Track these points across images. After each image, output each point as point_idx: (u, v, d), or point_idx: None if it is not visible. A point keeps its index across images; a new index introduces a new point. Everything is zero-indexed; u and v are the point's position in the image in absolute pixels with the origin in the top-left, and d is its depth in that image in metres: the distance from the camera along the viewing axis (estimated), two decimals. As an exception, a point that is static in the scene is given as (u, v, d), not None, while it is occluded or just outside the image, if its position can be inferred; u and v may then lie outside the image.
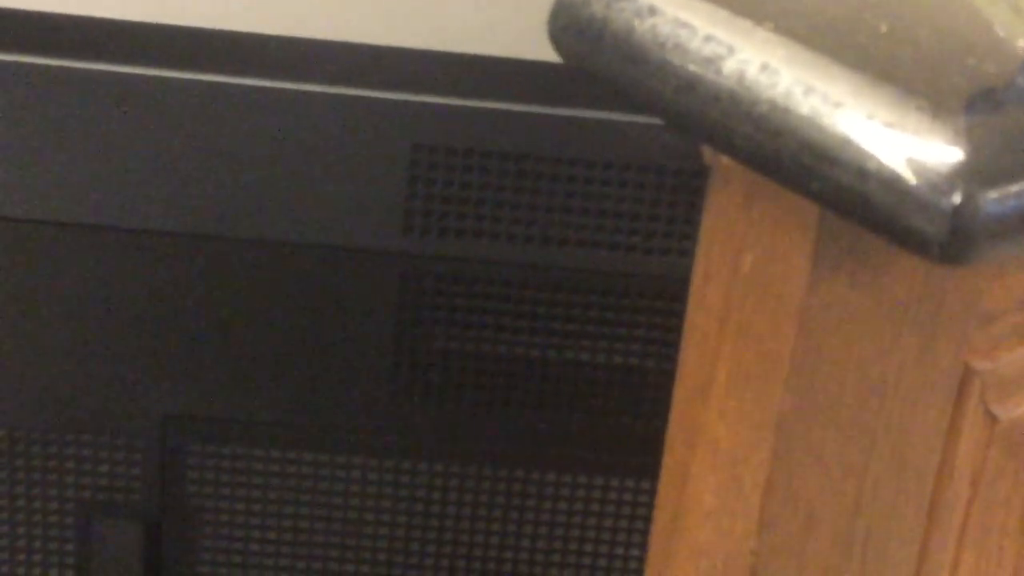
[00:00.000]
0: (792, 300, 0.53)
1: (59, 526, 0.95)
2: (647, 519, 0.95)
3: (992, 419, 0.62)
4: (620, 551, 0.97)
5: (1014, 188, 0.40)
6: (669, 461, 0.61)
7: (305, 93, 0.82)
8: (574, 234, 0.86)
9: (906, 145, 0.41)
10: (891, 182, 0.40)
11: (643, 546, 0.95)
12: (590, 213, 0.85)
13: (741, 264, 0.55)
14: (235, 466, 0.94)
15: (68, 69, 0.83)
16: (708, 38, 0.46)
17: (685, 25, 0.47)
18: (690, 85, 0.46)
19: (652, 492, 0.92)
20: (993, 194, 0.40)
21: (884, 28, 0.46)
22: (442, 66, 0.81)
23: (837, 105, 0.42)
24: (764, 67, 0.44)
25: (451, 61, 0.82)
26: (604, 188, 0.85)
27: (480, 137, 0.83)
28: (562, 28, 0.50)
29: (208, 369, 0.91)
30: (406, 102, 0.82)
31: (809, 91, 0.43)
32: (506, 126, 0.83)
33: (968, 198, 0.39)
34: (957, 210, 0.39)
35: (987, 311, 0.59)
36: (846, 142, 0.42)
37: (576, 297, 0.89)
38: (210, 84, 0.82)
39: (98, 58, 0.83)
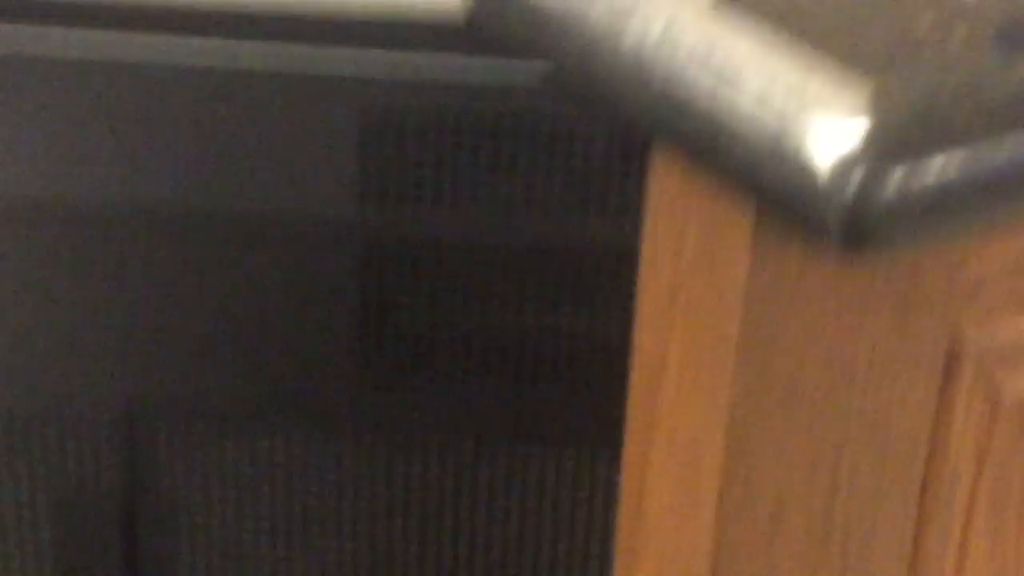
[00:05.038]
0: (737, 281, 0.49)
1: (32, 516, 0.94)
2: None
3: (996, 392, 0.58)
4: (599, 522, 0.94)
5: (929, 162, 0.35)
6: (630, 446, 0.57)
7: (248, 67, 0.79)
8: (537, 194, 0.82)
9: (806, 120, 0.36)
10: (788, 165, 0.36)
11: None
12: (547, 174, 0.81)
13: (685, 244, 0.51)
14: (205, 449, 0.92)
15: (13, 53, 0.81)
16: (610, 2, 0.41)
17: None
18: (592, 52, 0.42)
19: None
20: (899, 172, 0.35)
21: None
22: (385, 30, 0.78)
23: (732, 82, 0.38)
24: (664, 36, 0.40)
25: (394, 23, 0.78)
26: (566, 143, 0.81)
27: (429, 99, 0.80)
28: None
29: (170, 352, 0.89)
30: (351, 68, 0.79)
31: (705, 62, 0.38)
32: (455, 87, 0.79)
33: (868, 181, 0.35)
34: (856, 196, 0.35)
35: (974, 278, 0.54)
36: (739, 121, 0.37)
37: (536, 263, 0.85)
38: (153, 63, 0.80)
39: (44, 38, 0.81)
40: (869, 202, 0.35)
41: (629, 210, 0.83)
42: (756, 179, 0.37)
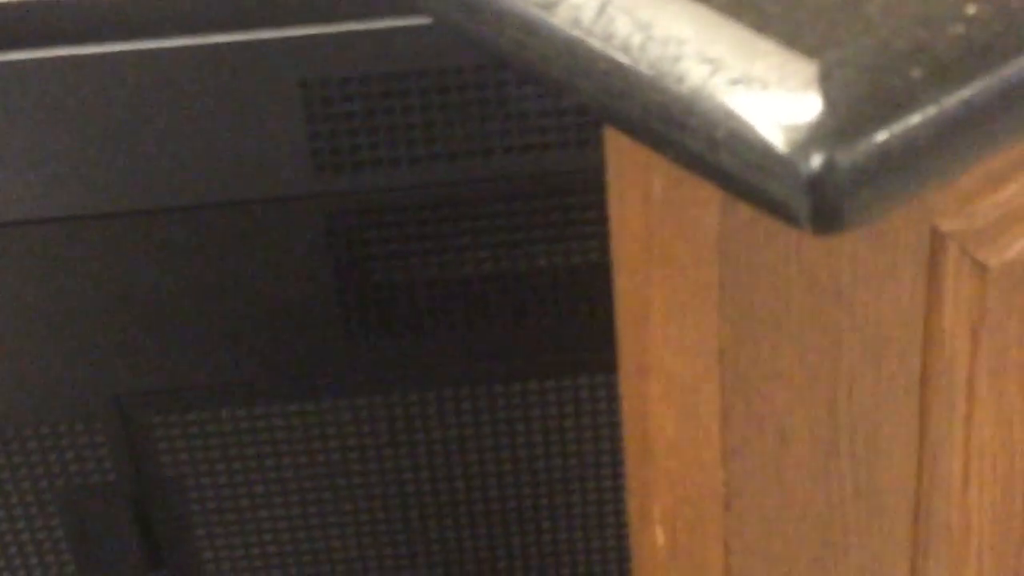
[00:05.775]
0: (709, 225, 0.48)
1: (44, 518, 0.94)
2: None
3: (982, 269, 0.57)
4: (606, 445, 0.94)
5: (882, 136, 0.34)
6: (626, 390, 0.56)
7: (177, 50, 0.76)
8: (490, 142, 0.80)
9: (754, 103, 0.35)
10: (741, 151, 0.35)
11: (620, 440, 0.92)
12: (501, 117, 0.79)
13: (652, 189, 0.49)
14: (205, 431, 0.91)
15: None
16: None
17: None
18: (528, 34, 0.40)
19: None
20: (859, 149, 0.34)
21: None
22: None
23: (676, 60, 0.36)
24: (600, 18, 0.38)
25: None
26: (511, 89, 0.78)
27: (368, 60, 0.77)
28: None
29: (154, 342, 0.88)
30: (284, 39, 0.76)
31: (646, 43, 0.37)
32: (392, 45, 0.77)
33: (827, 162, 0.34)
34: (816, 178, 0.34)
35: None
36: (691, 104, 0.36)
37: (504, 205, 0.83)
38: (85, 57, 0.77)
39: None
40: (831, 182, 0.34)
41: (589, 144, 0.81)
42: (711, 167, 0.36)
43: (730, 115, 0.35)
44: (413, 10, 0.42)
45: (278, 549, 0.97)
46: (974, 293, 0.58)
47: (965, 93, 0.34)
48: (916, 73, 0.34)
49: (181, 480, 0.94)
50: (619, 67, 0.38)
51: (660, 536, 0.59)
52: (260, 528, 0.95)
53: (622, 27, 0.38)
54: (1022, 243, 0.58)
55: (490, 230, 0.84)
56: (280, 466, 0.93)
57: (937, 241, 0.55)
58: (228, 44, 0.76)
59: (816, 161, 0.34)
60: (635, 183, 0.50)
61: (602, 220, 0.86)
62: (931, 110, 0.34)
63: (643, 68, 0.37)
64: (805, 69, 0.35)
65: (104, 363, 0.89)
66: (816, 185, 0.34)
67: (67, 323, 0.88)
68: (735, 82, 0.35)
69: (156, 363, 0.89)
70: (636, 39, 0.37)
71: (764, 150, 0.34)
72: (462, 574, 0.99)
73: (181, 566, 0.97)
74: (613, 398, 0.91)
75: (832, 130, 0.34)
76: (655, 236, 0.50)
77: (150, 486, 0.94)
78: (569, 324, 0.88)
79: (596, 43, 0.39)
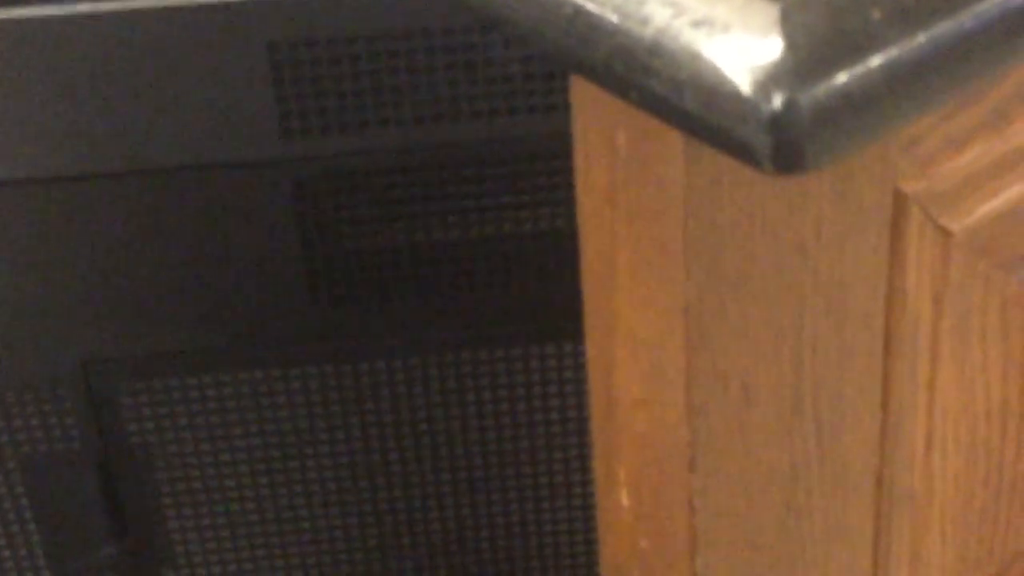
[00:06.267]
0: (674, 181, 0.48)
1: (7, 485, 0.93)
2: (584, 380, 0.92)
3: (945, 234, 0.58)
4: (572, 414, 0.94)
5: (842, 76, 0.34)
6: (591, 349, 0.56)
7: (143, 11, 0.76)
8: (458, 106, 0.80)
9: (717, 45, 0.35)
10: (704, 93, 0.35)
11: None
12: (470, 81, 0.79)
13: (616, 144, 0.50)
14: (171, 398, 0.91)
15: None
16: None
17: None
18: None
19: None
20: (820, 89, 0.34)
21: None
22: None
23: (640, 3, 0.37)
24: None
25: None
26: (479, 53, 0.78)
27: (336, 22, 0.77)
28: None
29: (120, 307, 0.87)
30: (251, 0, 0.76)
31: (609, -12, 0.37)
32: (360, 7, 0.76)
33: (788, 101, 0.34)
34: (778, 118, 0.34)
35: (911, 134, 0.54)
36: (655, 47, 0.36)
37: (472, 170, 0.83)
38: (50, 18, 0.76)
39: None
40: (792, 121, 0.34)
41: (557, 109, 0.81)
42: (676, 110, 0.36)
43: (694, 56, 0.35)
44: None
45: (244, 518, 0.97)
46: (936, 258, 0.58)
47: (924, 35, 0.35)
48: (876, 14, 0.34)
49: (147, 448, 0.93)
50: (584, 11, 0.38)
51: (625, 498, 0.60)
52: (227, 497, 0.95)
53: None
54: (984, 209, 0.58)
55: (458, 195, 0.84)
56: (248, 434, 0.93)
57: (900, 203, 0.56)
58: (195, 6, 0.75)
59: (777, 100, 0.34)
60: (600, 138, 0.50)
61: (571, 186, 0.86)
62: (891, 51, 0.34)
63: (607, 12, 0.37)
64: (766, 10, 0.35)
65: (70, 329, 0.89)
66: (777, 124, 0.34)
67: (32, 288, 0.87)
68: (698, 24, 0.35)
69: (122, 329, 0.89)
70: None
71: (727, 91, 0.35)
72: (429, 542, 0.99)
73: (146, 535, 0.97)
74: (580, 367, 0.92)
75: (793, 70, 0.34)
76: (620, 192, 0.51)
77: (116, 454, 0.93)
78: (537, 292, 0.88)
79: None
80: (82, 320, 0.89)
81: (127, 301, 0.87)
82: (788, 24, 0.34)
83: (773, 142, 0.34)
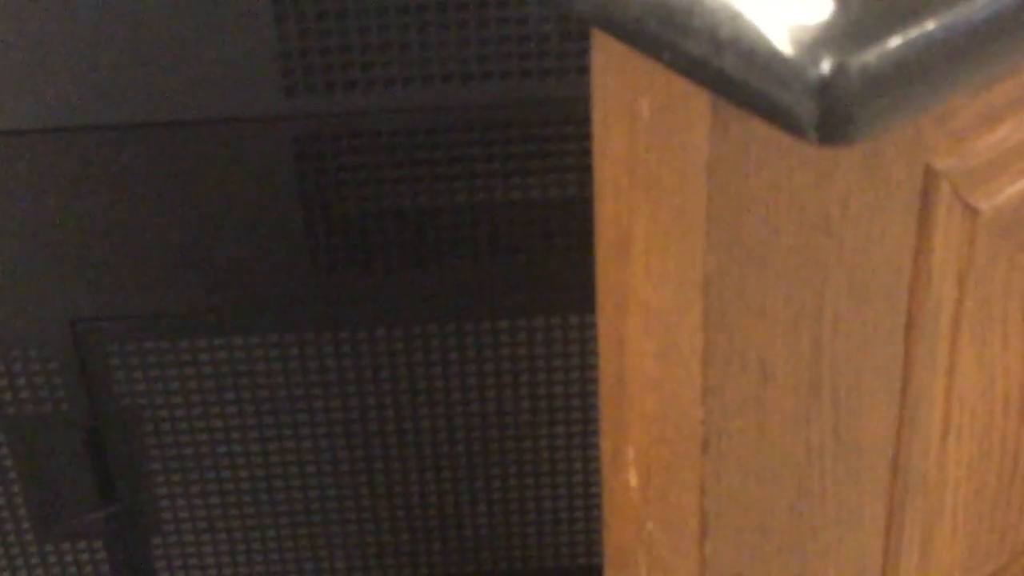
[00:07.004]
0: (699, 149, 0.46)
1: None
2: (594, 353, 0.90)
3: (973, 212, 0.56)
4: (576, 388, 0.92)
5: (896, 41, 0.32)
6: (602, 323, 0.54)
7: None
8: (468, 67, 0.78)
9: (761, 3, 0.33)
10: (746, 54, 0.33)
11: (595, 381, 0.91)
12: (481, 42, 0.77)
13: (639, 110, 0.47)
14: (162, 360, 0.89)
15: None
16: None
17: None
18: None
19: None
20: (872, 54, 0.32)
21: None
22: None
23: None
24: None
25: None
26: (492, 11, 0.76)
27: None
28: None
29: (111, 266, 0.85)
30: None
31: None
32: None
33: (838, 66, 0.31)
34: (826, 83, 0.32)
35: (943, 109, 0.52)
36: (693, 4, 0.34)
37: (480, 134, 0.81)
38: None
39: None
40: (841, 87, 0.32)
41: (571, 72, 0.79)
42: (712, 72, 0.34)
43: (735, 15, 0.33)
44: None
45: (235, 485, 0.96)
46: (963, 237, 0.57)
47: (972, 5, 0.32)
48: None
49: (137, 411, 0.91)
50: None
51: (634, 478, 0.58)
52: (217, 463, 0.93)
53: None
54: (1013, 188, 0.56)
55: (465, 159, 0.82)
56: (239, 399, 0.91)
57: (930, 179, 0.54)
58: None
59: (826, 65, 0.32)
60: (622, 104, 0.48)
61: (583, 152, 0.84)
62: (949, 15, 0.32)
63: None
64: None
65: (59, 287, 0.87)
66: (825, 91, 0.32)
67: (21, 244, 0.85)
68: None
69: (114, 289, 0.86)
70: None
71: (770, 53, 0.32)
72: (425, 515, 0.98)
73: (134, 499, 0.95)
74: (586, 340, 0.90)
75: (844, 33, 0.32)
76: (640, 160, 0.48)
77: (104, 416, 0.91)
78: (544, 261, 0.86)
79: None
80: (72, 278, 0.86)
81: (119, 259, 0.86)
82: (838, -16, 0.32)
83: (819, 109, 0.32)
